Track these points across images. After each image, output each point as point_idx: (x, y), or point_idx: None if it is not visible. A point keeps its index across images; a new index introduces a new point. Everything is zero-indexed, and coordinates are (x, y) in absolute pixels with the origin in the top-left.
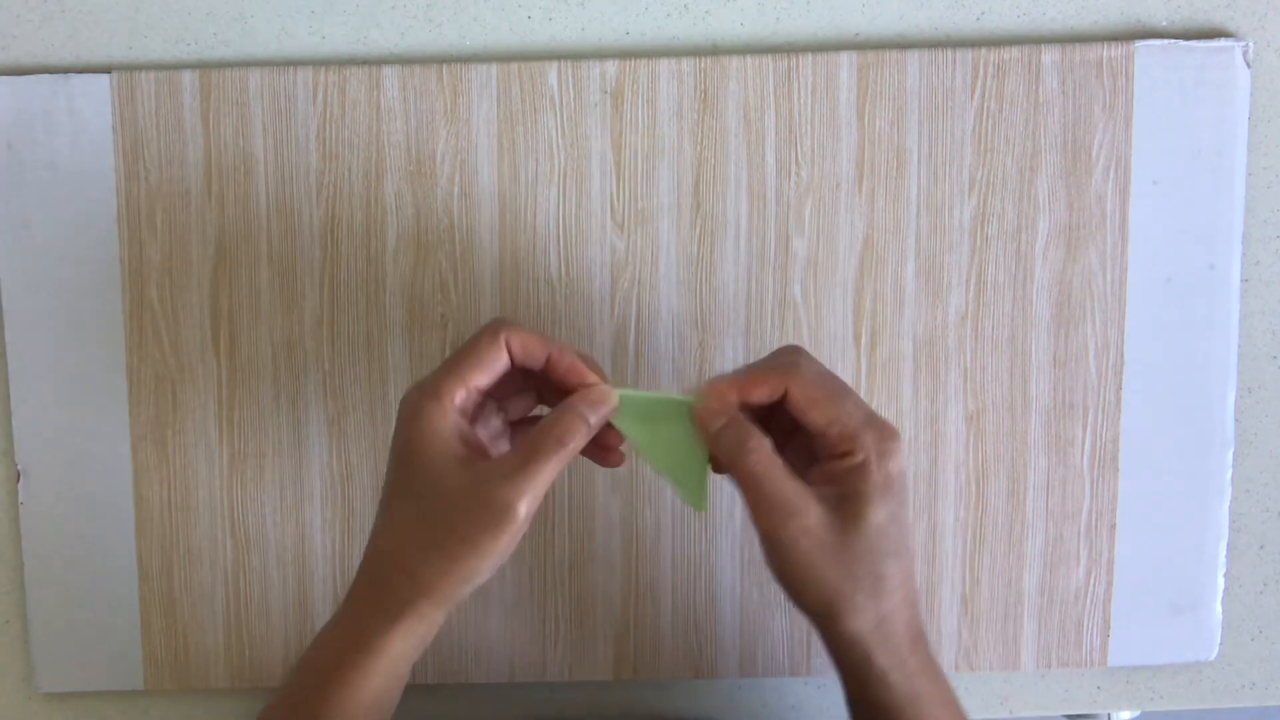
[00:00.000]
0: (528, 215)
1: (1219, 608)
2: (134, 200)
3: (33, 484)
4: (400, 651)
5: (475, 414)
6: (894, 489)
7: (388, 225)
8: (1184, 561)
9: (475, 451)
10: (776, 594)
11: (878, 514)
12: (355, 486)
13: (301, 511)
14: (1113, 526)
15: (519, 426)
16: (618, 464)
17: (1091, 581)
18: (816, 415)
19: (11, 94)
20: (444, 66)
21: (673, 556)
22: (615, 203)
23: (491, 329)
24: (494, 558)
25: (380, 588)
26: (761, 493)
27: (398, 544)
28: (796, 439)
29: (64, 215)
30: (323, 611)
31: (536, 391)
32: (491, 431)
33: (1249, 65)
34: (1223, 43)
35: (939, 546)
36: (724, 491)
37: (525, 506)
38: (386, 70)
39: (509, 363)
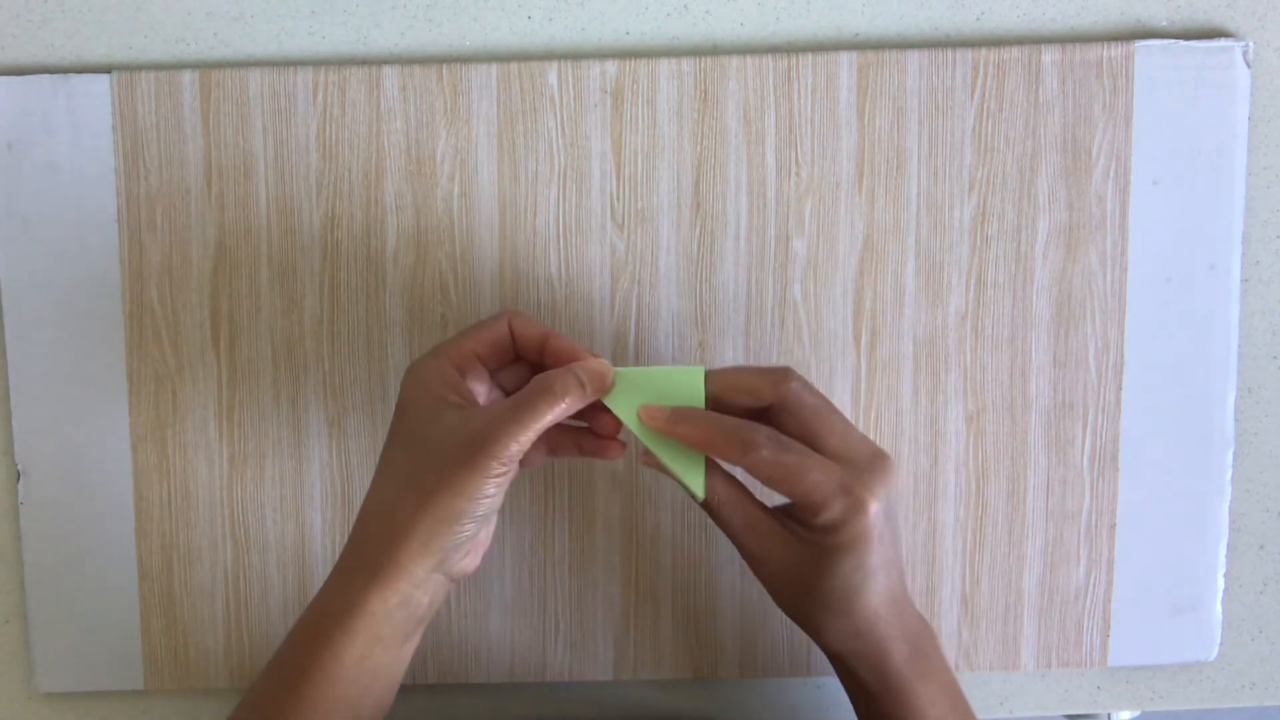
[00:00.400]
0: (528, 215)
1: (1219, 608)
2: (134, 200)
3: (33, 484)
4: (382, 611)
5: (476, 386)
6: (871, 536)
7: (388, 225)
8: (1184, 561)
9: (468, 401)
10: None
11: (857, 561)
12: (355, 486)
13: (301, 511)
14: (1113, 526)
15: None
16: (618, 455)
17: (1091, 581)
18: (782, 489)
19: (11, 94)
20: (444, 66)
21: (673, 556)
22: (615, 203)
23: (501, 311)
24: (471, 501)
25: (362, 541)
26: (725, 524)
27: (383, 490)
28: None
29: (64, 215)
30: None
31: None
32: (487, 397)
33: (1249, 65)
34: (1223, 43)
35: (939, 546)
36: None
37: (509, 450)
38: (386, 70)
39: (508, 336)
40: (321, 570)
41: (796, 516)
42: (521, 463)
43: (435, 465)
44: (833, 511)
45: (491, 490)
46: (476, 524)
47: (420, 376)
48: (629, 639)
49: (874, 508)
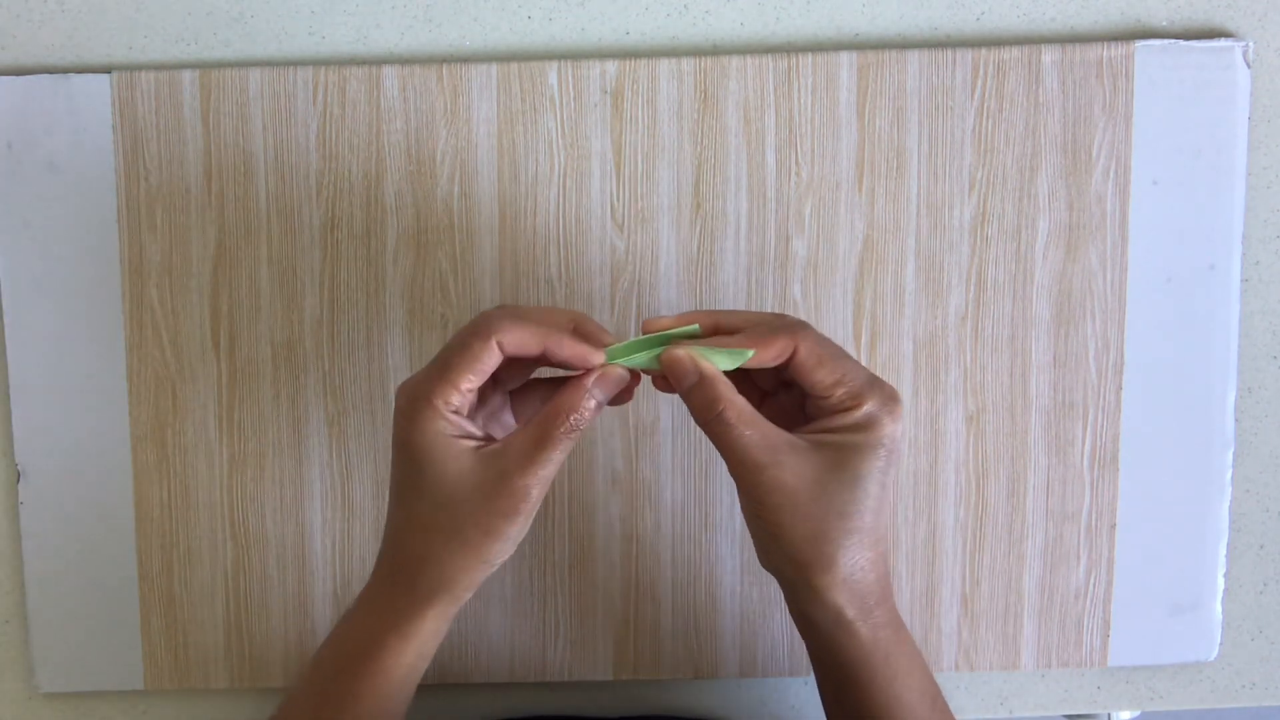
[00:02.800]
0: (528, 215)
1: (1219, 608)
2: (134, 200)
3: (33, 484)
4: (432, 630)
5: (476, 413)
6: (892, 448)
7: (388, 225)
8: (1184, 561)
9: (477, 437)
10: (776, 594)
11: (872, 467)
12: (355, 486)
13: (301, 511)
14: (1113, 526)
15: (520, 394)
16: (626, 400)
17: (1091, 581)
18: (824, 374)
19: (11, 94)
20: (444, 66)
21: (673, 556)
22: (615, 203)
23: (483, 330)
24: (512, 540)
25: (405, 580)
26: (738, 442)
27: (420, 539)
28: (775, 400)
29: (64, 215)
30: (323, 611)
31: (534, 361)
32: (491, 409)
33: (1249, 65)
34: (1223, 43)
35: (939, 546)
36: (723, 492)
37: (538, 490)
38: (386, 70)
39: (500, 359)
40: (322, 570)
41: (822, 418)
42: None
43: (475, 518)
44: (869, 406)
45: (526, 525)
46: (518, 543)
47: (422, 429)
48: (629, 639)
49: (903, 414)
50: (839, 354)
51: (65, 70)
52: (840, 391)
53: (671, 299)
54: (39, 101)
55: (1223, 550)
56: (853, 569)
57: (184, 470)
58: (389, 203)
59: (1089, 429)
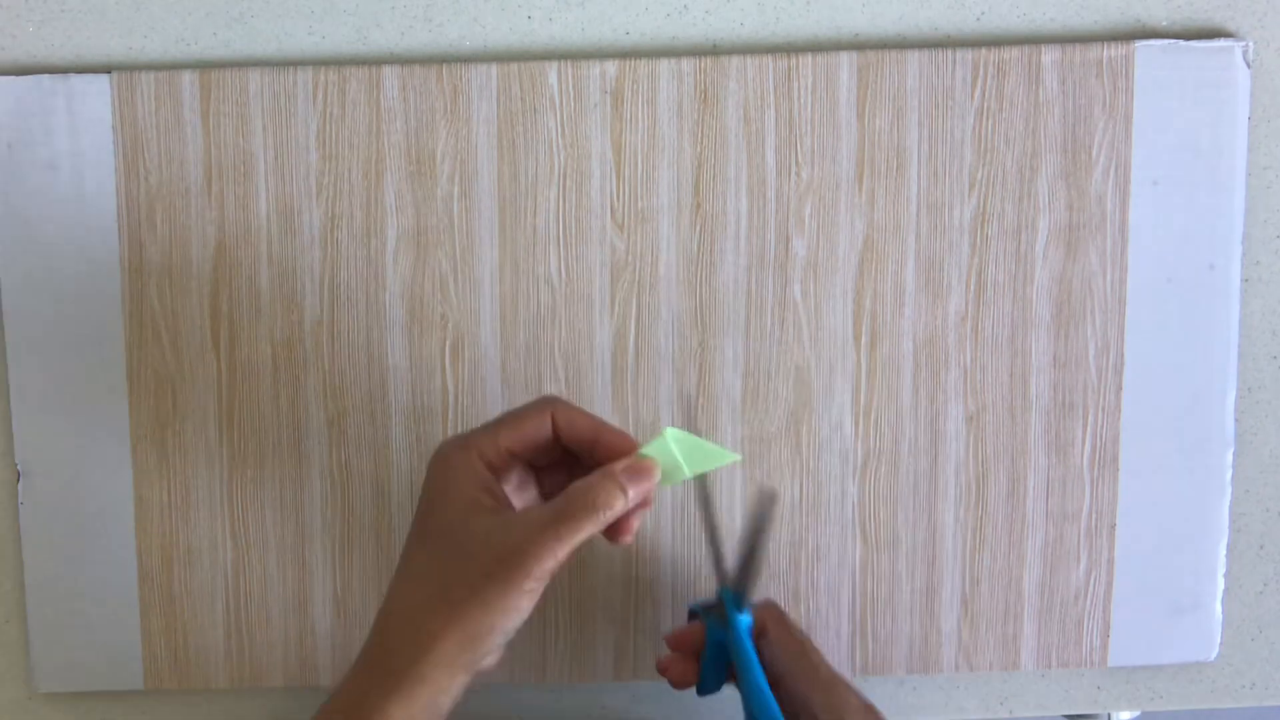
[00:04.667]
0: (528, 215)
1: (1219, 608)
2: (134, 200)
3: (33, 484)
4: (402, 718)
5: (508, 477)
6: (860, 712)
7: (388, 225)
8: (1184, 561)
9: (501, 504)
10: (776, 594)
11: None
12: (355, 486)
13: (301, 511)
14: (1113, 526)
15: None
16: (625, 544)
17: (1091, 581)
18: (784, 658)
19: (11, 94)
20: (444, 66)
21: (673, 556)
22: (615, 203)
23: (541, 403)
24: (504, 616)
25: (385, 647)
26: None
27: (407, 595)
28: None
29: (64, 215)
30: (323, 611)
31: (573, 471)
32: (525, 500)
33: (1249, 65)
34: (1223, 43)
35: (939, 546)
36: (723, 493)
37: (544, 566)
38: (386, 70)
39: (550, 434)
40: (322, 570)
41: None
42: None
43: (467, 577)
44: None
45: (525, 604)
46: (507, 635)
47: (450, 472)
48: (629, 639)
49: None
50: (804, 644)
51: (65, 70)
52: (796, 681)
53: (671, 299)
54: (39, 101)
55: (1223, 550)
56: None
57: (184, 470)
58: (389, 203)
59: (1089, 429)
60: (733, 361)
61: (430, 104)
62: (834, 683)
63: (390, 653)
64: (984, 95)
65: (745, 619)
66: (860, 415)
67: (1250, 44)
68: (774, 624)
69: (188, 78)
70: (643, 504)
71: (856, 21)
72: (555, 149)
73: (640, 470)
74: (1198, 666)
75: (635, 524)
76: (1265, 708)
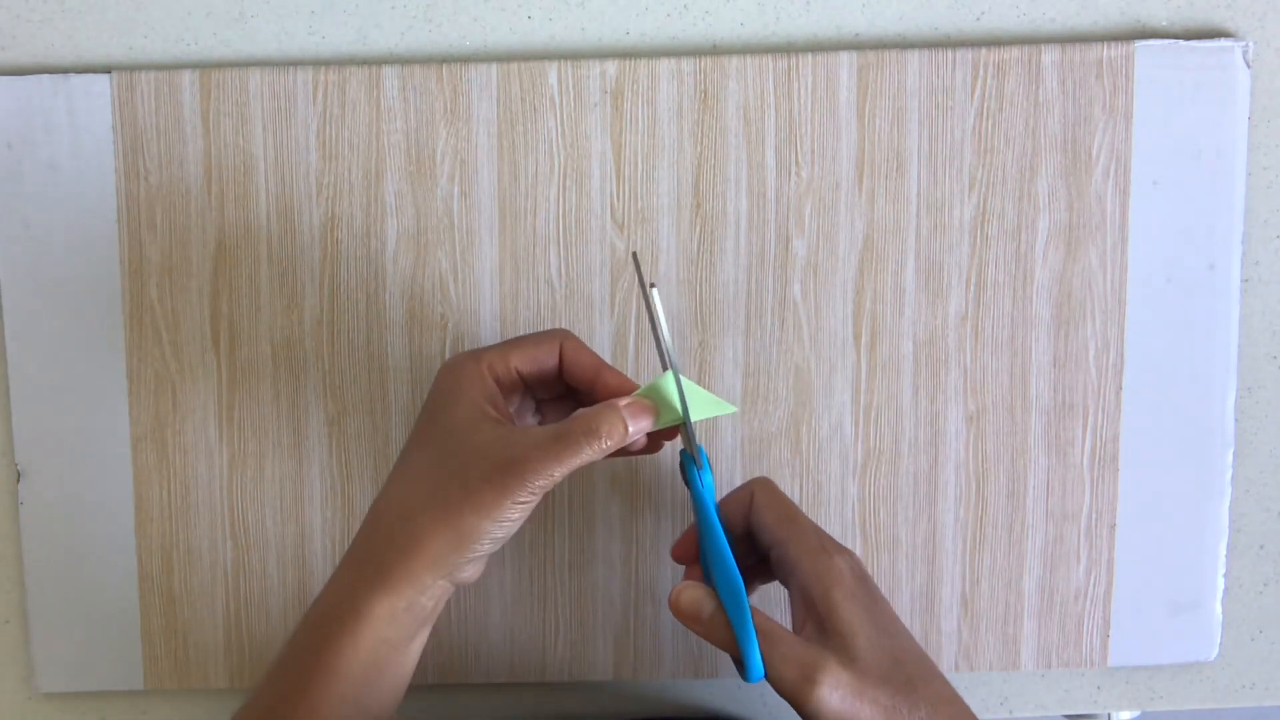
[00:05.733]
0: (528, 215)
1: (1219, 608)
2: (134, 200)
3: (33, 484)
4: (387, 614)
5: (511, 399)
6: (859, 599)
7: (388, 225)
8: (1184, 561)
9: (504, 417)
10: (776, 594)
11: (861, 627)
12: (355, 486)
13: (301, 511)
14: (1113, 526)
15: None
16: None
17: (1091, 581)
18: (772, 525)
19: (11, 94)
20: (444, 66)
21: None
22: (615, 203)
23: (552, 333)
24: (494, 523)
25: (376, 540)
26: (775, 664)
27: (403, 492)
28: (763, 561)
29: (64, 215)
30: None
31: (577, 404)
32: (524, 424)
33: (1249, 65)
34: (1223, 43)
35: (939, 546)
36: (721, 491)
37: (539, 481)
38: (386, 70)
39: (557, 363)
40: (321, 570)
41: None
42: None
43: (462, 480)
44: (796, 551)
45: (515, 515)
46: (494, 543)
47: (457, 380)
48: (629, 639)
49: (836, 561)
50: (792, 510)
51: (65, 70)
52: (785, 547)
53: (671, 299)
54: (39, 101)
55: (1223, 550)
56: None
57: (184, 470)
58: (389, 203)
59: (1089, 429)
60: (733, 361)
61: (430, 104)
62: (822, 551)
63: (380, 549)
64: (984, 95)
65: (701, 474)
66: (860, 415)
67: (1250, 44)
68: (762, 491)
69: (188, 78)
70: (649, 448)
71: (856, 21)
72: (555, 149)
73: (641, 409)
74: (1197, 666)
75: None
76: (1265, 708)
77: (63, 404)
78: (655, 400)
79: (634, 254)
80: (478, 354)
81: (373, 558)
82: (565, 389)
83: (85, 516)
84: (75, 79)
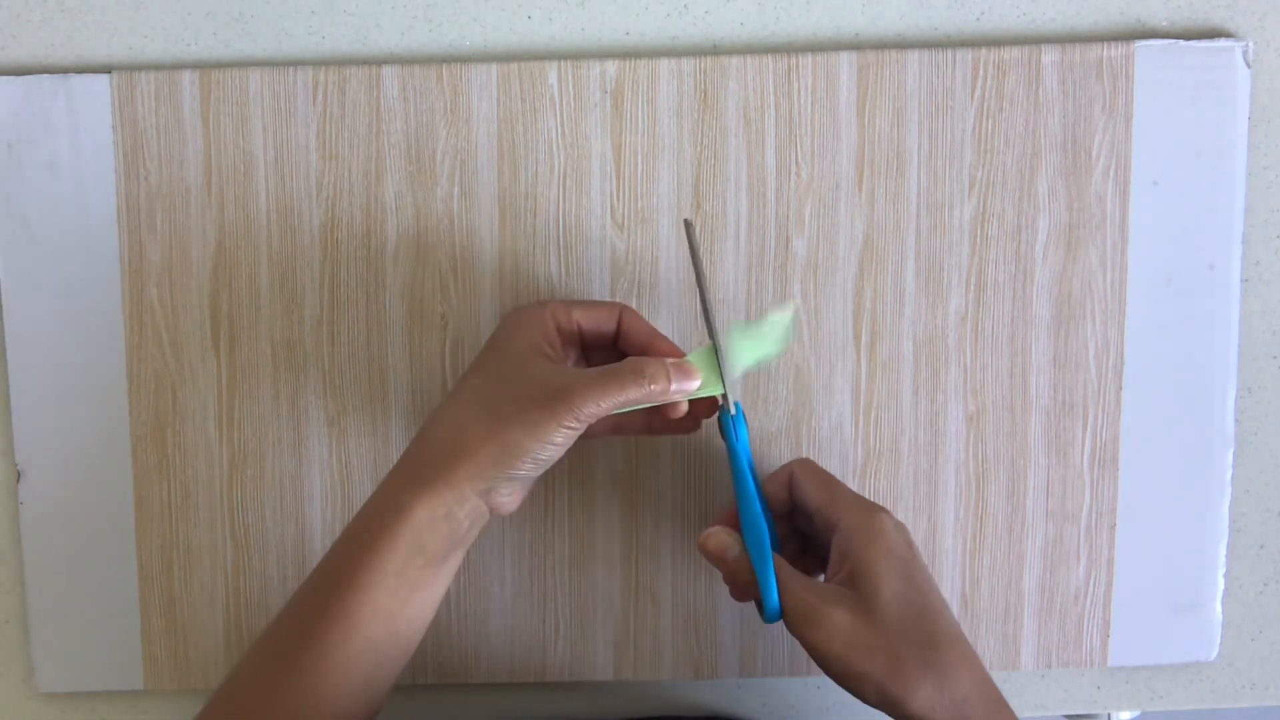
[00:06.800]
0: (528, 215)
1: (1219, 608)
2: (134, 200)
3: (33, 484)
4: (427, 519)
5: (568, 350)
6: (900, 553)
7: (388, 225)
8: (1184, 561)
9: (560, 358)
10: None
11: (889, 579)
12: (355, 486)
13: (301, 511)
14: (1113, 526)
15: None
16: (691, 429)
17: (1091, 581)
18: (815, 495)
19: (11, 94)
20: (444, 66)
21: (673, 556)
22: (615, 203)
23: (615, 302)
24: (539, 443)
25: (425, 451)
26: (783, 605)
27: (456, 408)
28: (814, 546)
29: (64, 215)
30: None
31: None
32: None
33: (1249, 65)
34: (1223, 43)
35: (939, 546)
36: (723, 493)
37: (587, 409)
38: (386, 70)
39: (614, 328)
40: None
41: (835, 556)
42: (586, 432)
43: (515, 399)
44: (853, 519)
45: (559, 439)
46: (535, 466)
47: (521, 321)
48: (629, 639)
49: (892, 522)
50: (830, 486)
51: (65, 70)
52: (826, 512)
53: (671, 299)
54: (39, 101)
55: (1223, 550)
56: (944, 687)
57: (184, 470)
58: (389, 203)
59: (1089, 429)
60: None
61: (430, 104)
62: (866, 508)
63: (428, 457)
64: (984, 95)
65: (737, 427)
66: (860, 415)
67: (1250, 44)
68: (801, 467)
69: (188, 78)
70: (687, 423)
71: (856, 21)
72: (555, 149)
73: (687, 371)
74: (1198, 666)
75: (685, 414)
76: (1265, 708)
77: (63, 404)
78: (701, 366)
79: (686, 221)
80: (544, 302)
81: (418, 465)
82: (618, 356)
83: (85, 516)
84: (75, 79)
